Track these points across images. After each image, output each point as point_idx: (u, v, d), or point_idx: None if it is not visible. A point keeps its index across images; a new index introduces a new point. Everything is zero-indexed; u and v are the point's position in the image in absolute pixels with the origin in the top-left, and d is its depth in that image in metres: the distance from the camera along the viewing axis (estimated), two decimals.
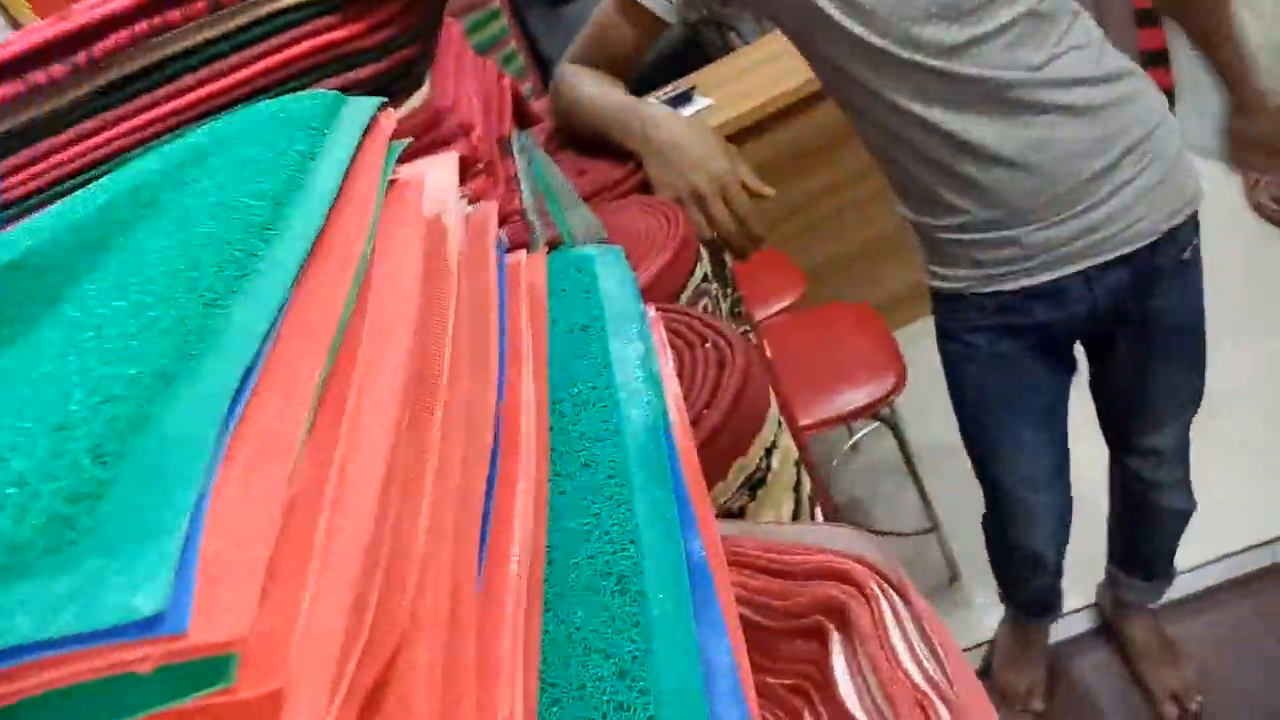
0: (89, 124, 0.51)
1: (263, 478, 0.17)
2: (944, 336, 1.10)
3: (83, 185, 0.52)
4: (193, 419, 0.17)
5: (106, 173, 0.51)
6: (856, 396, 1.39)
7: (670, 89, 2.10)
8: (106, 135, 0.51)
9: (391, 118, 0.38)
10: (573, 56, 0.91)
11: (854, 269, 2.04)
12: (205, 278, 0.22)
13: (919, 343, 1.53)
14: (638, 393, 0.38)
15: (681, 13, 0.87)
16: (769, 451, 0.47)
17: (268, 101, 0.36)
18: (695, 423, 0.44)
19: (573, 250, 0.50)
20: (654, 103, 0.78)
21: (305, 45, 0.51)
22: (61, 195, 0.51)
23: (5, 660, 0.14)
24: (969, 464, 1.22)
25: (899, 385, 1.38)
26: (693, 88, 2.06)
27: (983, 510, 1.29)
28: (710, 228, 0.71)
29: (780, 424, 0.48)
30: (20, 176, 0.51)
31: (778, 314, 1.65)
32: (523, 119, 0.83)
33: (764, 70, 1.99)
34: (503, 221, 0.57)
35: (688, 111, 1.94)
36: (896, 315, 2.01)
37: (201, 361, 0.19)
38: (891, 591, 0.33)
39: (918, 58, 0.85)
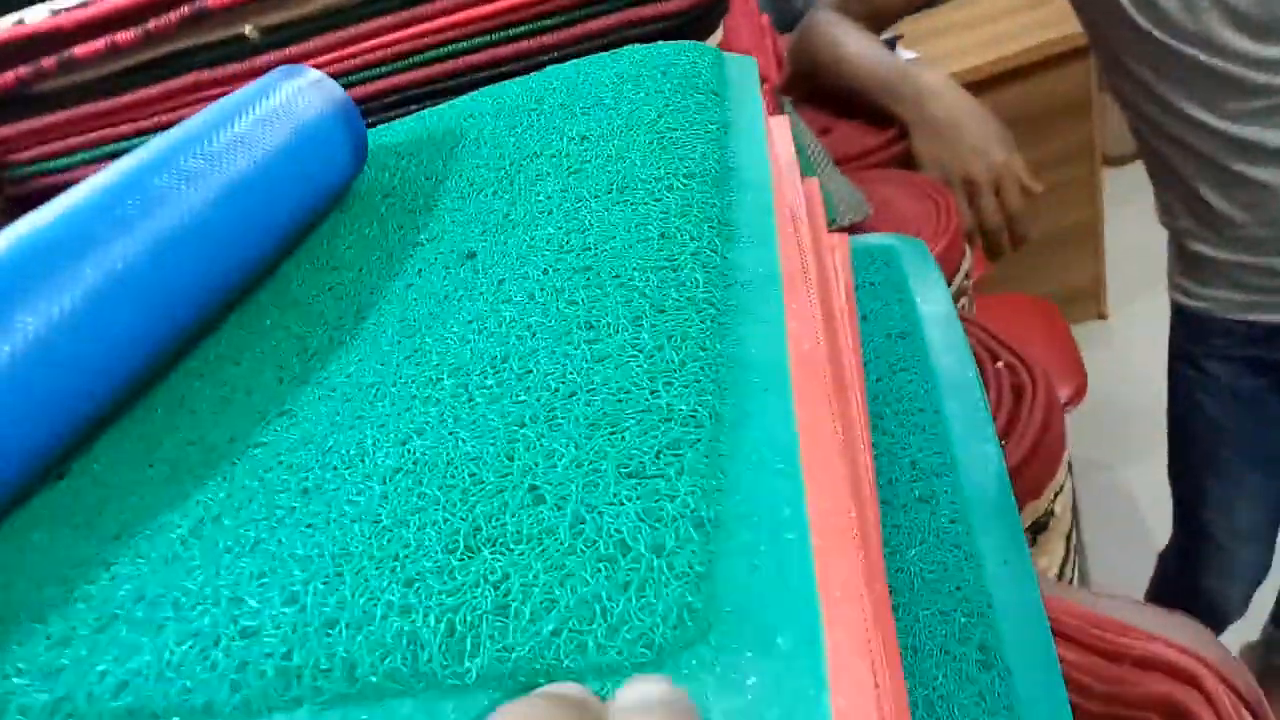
0: (388, 20, 0.50)
1: (843, 566, 0.14)
2: (1179, 359, 1.02)
3: (389, 76, 0.50)
4: (779, 488, 0.15)
5: (412, 68, 0.50)
6: None
7: None
8: (413, 30, 0.49)
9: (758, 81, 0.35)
10: (832, 4, 0.84)
11: (1036, 256, 1.92)
12: (691, 284, 0.20)
13: (1084, 347, 1.44)
14: (976, 424, 0.34)
15: None
16: (1055, 495, 0.43)
17: (636, 50, 0.33)
18: None
19: (871, 238, 0.46)
20: (928, 68, 0.72)
21: None
22: (365, 82, 0.50)
23: None
24: (1117, 482, 1.14)
25: (1077, 397, 1.29)
26: (899, 37, 1.94)
27: (1127, 536, 1.21)
28: (975, 219, 0.66)
29: (1070, 465, 0.44)
30: (325, 58, 0.50)
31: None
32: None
33: (980, 30, 1.86)
34: None
35: None
36: (1066, 313, 1.91)
37: (741, 401, 0.16)
38: (1246, 713, 0.30)
39: (1214, 62, 0.77)
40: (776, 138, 0.37)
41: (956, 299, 0.59)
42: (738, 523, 0.14)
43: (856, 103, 0.75)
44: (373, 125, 0.44)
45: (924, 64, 0.77)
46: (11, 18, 0.50)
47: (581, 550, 0.14)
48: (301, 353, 0.24)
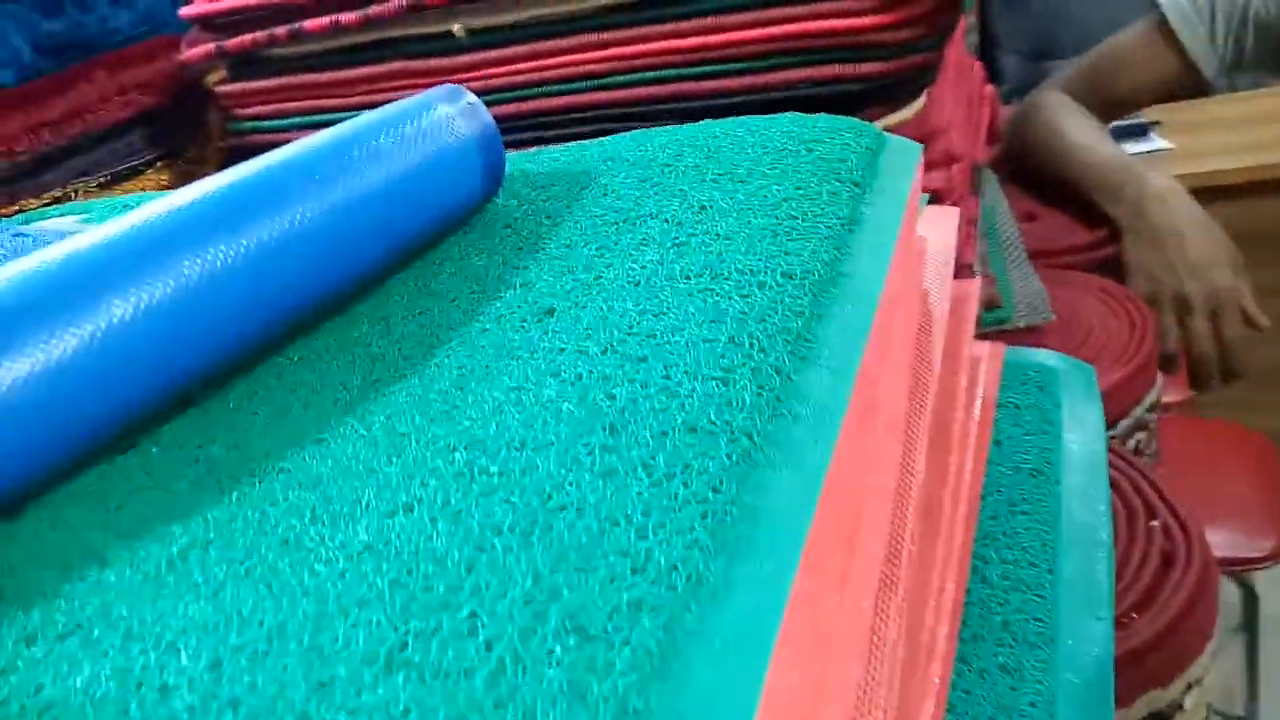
0: (586, 38, 0.50)
1: None
2: None
3: (570, 94, 0.50)
4: (732, 688, 0.13)
5: (593, 89, 0.50)
6: (1217, 540, 1.18)
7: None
8: (606, 53, 0.49)
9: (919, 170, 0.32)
10: (1062, 85, 0.78)
11: (1261, 387, 1.72)
12: (736, 404, 0.18)
13: None
14: (1093, 594, 0.30)
15: (1226, 67, 0.72)
16: (1189, 687, 0.37)
17: (792, 120, 0.31)
18: (1117, 627, 0.35)
19: (1032, 353, 0.42)
20: (1156, 169, 0.65)
21: (822, 23, 0.46)
22: (546, 97, 0.50)
23: None
24: None
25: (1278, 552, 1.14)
26: (1154, 122, 1.79)
27: None
28: (1182, 344, 0.59)
29: (1214, 653, 0.38)
30: (518, 67, 0.51)
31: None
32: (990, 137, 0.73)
33: (1249, 130, 1.67)
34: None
35: (1136, 149, 1.69)
36: None
37: (734, 564, 0.15)
38: None
39: None
40: (935, 232, 0.34)
41: (1132, 433, 0.53)
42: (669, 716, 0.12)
43: (1070, 194, 0.69)
44: (539, 142, 0.45)
45: (1153, 163, 0.70)
46: None
47: (489, 708, 0.12)
48: (366, 376, 0.24)
